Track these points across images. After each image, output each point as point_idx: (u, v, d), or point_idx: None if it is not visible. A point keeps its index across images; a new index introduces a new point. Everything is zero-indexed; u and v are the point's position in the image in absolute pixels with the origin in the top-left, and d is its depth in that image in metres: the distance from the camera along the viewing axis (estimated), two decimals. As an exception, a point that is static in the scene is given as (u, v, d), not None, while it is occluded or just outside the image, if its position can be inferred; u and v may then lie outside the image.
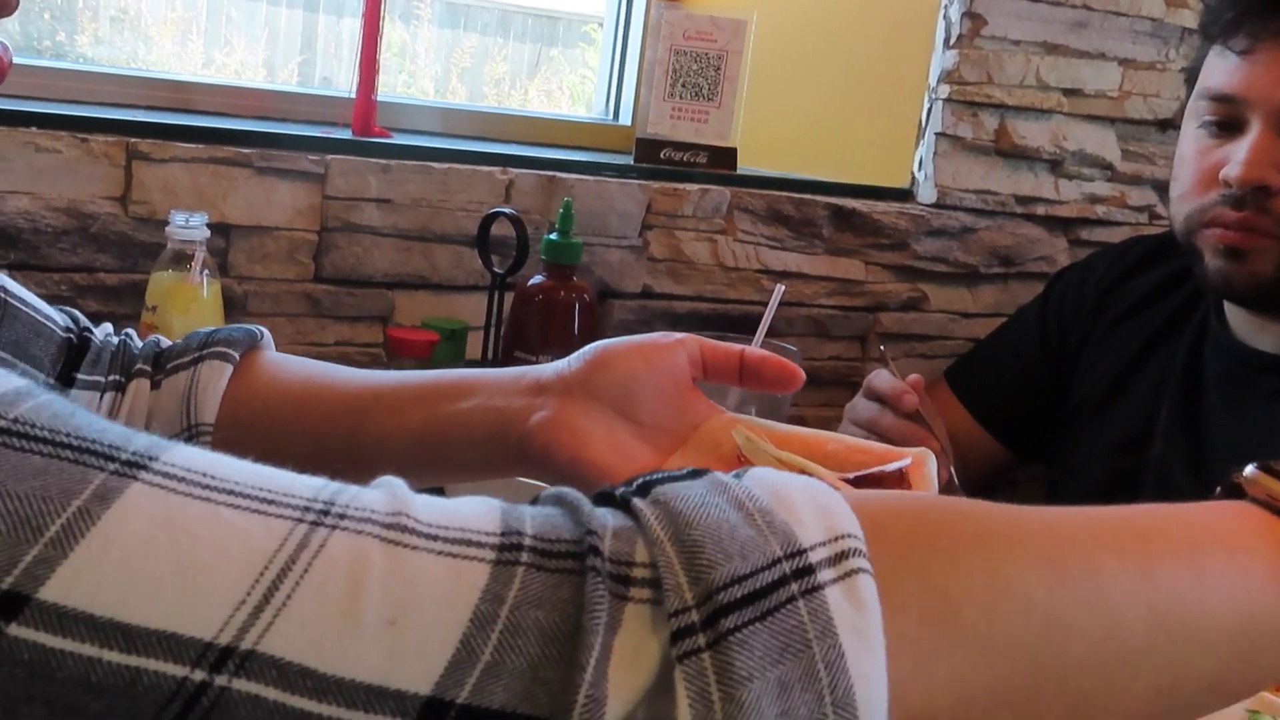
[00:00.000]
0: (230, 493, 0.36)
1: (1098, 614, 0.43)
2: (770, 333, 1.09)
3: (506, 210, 1.30)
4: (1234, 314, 1.29)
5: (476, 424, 0.70)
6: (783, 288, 1.11)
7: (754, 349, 0.73)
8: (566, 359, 0.71)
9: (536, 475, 0.70)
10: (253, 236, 1.31)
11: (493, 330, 1.29)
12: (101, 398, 0.75)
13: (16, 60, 1.45)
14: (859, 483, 0.67)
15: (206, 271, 1.15)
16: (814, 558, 0.38)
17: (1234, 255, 1.20)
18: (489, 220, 1.31)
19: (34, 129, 1.21)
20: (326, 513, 0.37)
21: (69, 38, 1.92)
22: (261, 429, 0.74)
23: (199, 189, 1.27)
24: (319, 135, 1.37)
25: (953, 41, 1.59)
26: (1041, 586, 0.42)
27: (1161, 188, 1.71)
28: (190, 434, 0.74)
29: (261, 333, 0.79)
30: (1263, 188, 1.17)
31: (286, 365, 0.78)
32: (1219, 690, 0.47)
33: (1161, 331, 1.38)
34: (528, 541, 0.38)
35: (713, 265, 1.53)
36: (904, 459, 0.69)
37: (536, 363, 1.22)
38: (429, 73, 2.26)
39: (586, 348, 0.71)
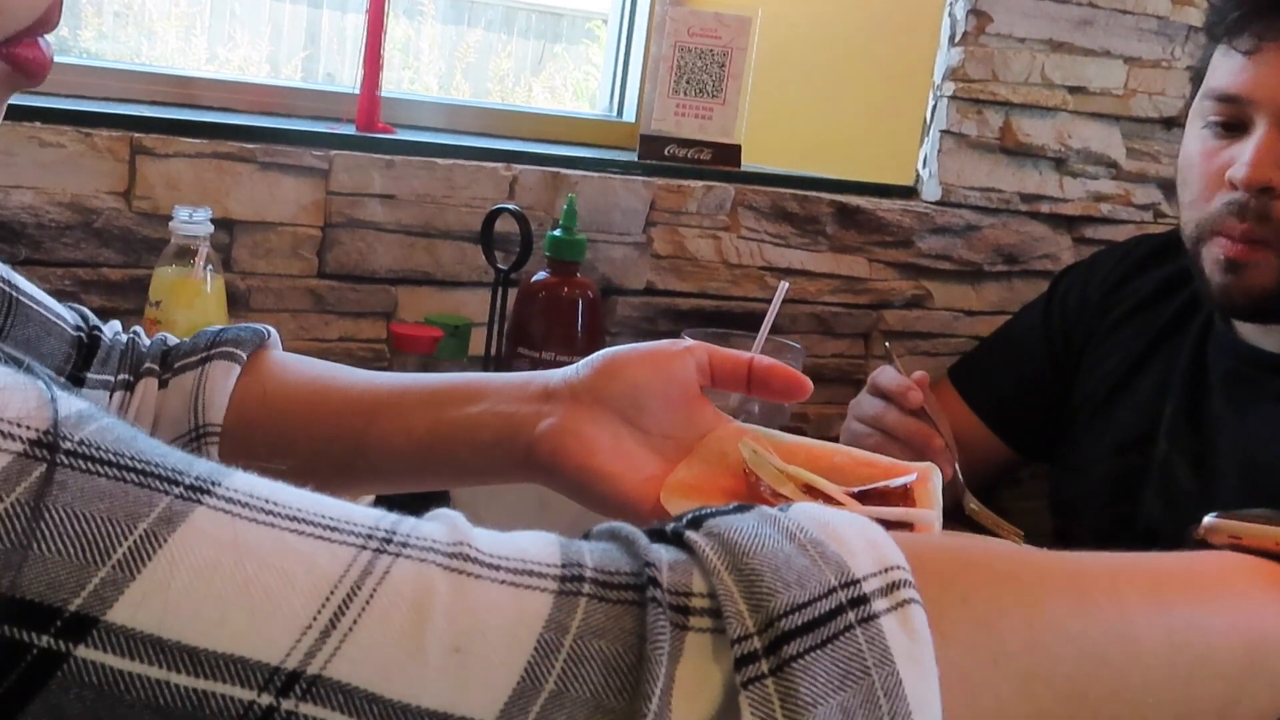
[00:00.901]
0: (294, 519, 0.37)
1: (1124, 643, 0.45)
2: (774, 330, 1.09)
3: (510, 206, 1.29)
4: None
5: (483, 429, 0.69)
6: (786, 285, 1.11)
7: (762, 358, 0.72)
8: (574, 366, 0.70)
9: (542, 482, 0.70)
10: (256, 232, 1.31)
11: (496, 326, 1.29)
12: (111, 397, 0.75)
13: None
14: (863, 497, 0.66)
15: (210, 267, 1.14)
16: (867, 587, 0.38)
17: (1233, 269, 1.19)
18: (493, 216, 1.31)
19: (38, 124, 1.21)
20: (389, 540, 0.37)
21: (73, 33, 1.92)
22: (268, 430, 0.74)
23: (203, 184, 1.27)
24: (323, 131, 1.36)
25: (958, 39, 1.59)
26: (1074, 618, 0.44)
27: (1166, 186, 1.71)
28: (198, 434, 0.74)
29: (269, 332, 0.79)
30: (1267, 189, 1.17)
31: (294, 366, 0.78)
32: (1229, 715, 0.49)
33: (1165, 331, 1.38)
34: (588, 573, 0.38)
35: (716, 262, 1.53)
36: (910, 474, 0.68)
37: (540, 359, 1.23)
38: (433, 69, 2.26)
39: (594, 355, 0.70)
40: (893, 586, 0.39)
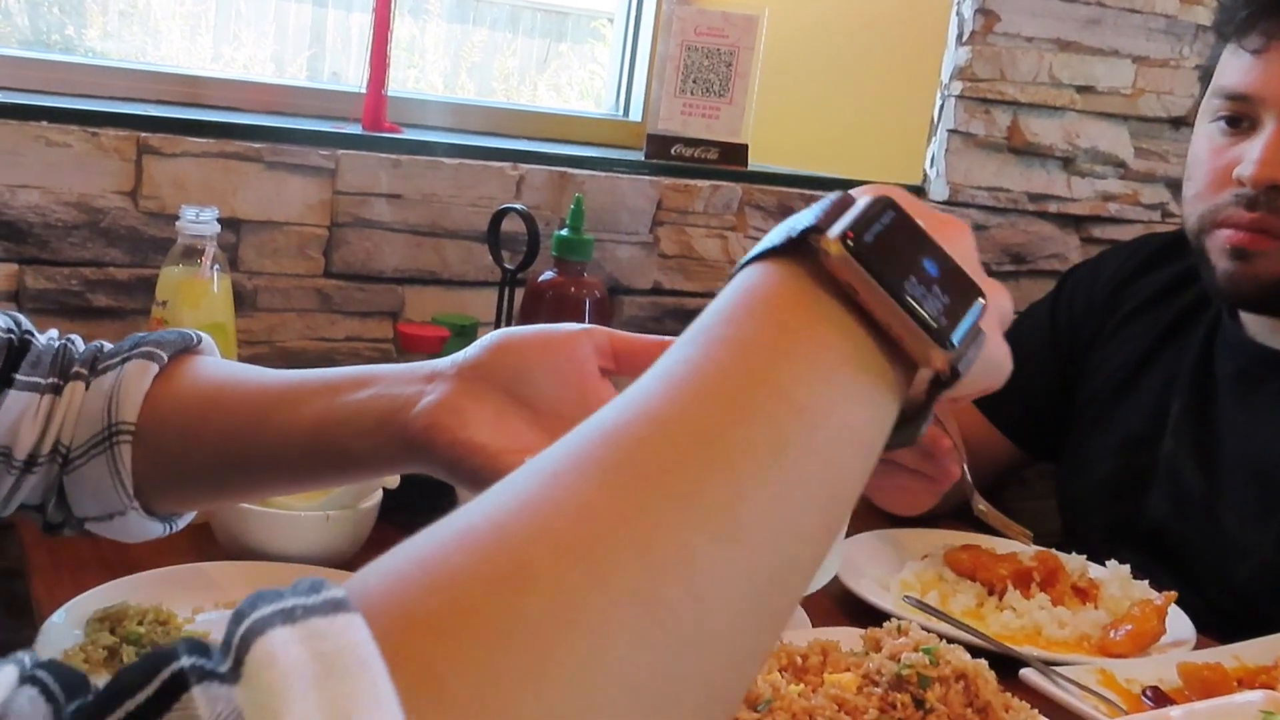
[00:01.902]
0: None
1: (708, 628, 0.35)
2: (782, 330, 1.09)
3: (517, 206, 1.29)
4: (1246, 313, 1.29)
5: (368, 414, 0.67)
6: (795, 285, 1.10)
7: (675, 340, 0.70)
8: (468, 347, 0.69)
9: (424, 467, 0.68)
10: (263, 231, 1.30)
11: (503, 326, 1.29)
12: (41, 399, 0.75)
13: (25, 54, 1.45)
14: None
15: (217, 266, 1.14)
16: None
17: (1241, 256, 1.20)
18: (500, 216, 1.30)
19: (45, 123, 1.21)
20: None
21: (78, 32, 1.92)
22: (175, 429, 0.74)
23: (209, 183, 1.27)
24: (329, 130, 1.36)
25: (965, 38, 1.59)
26: (633, 649, 0.34)
27: (1174, 185, 1.70)
28: (110, 433, 0.73)
29: (199, 337, 0.79)
30: (1276, 187, 1.17)
31: (210, 367, 0.77)
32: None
33: (1173, 329, 1.37)
34: None
35: (724, 262, 1.52)
36: None
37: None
38: (438, 68, 2.26)
39: (487, 335, 0.69)
40: None
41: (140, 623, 0.82)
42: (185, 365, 0.77)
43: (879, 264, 0.41)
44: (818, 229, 0.42)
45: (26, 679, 0.32)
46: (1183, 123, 1.69)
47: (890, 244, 0.42)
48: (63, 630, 0.83)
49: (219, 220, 1.15)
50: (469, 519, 0.36)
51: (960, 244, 0.48)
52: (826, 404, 0.40)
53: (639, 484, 0.36)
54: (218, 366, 0.78)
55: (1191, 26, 1.67)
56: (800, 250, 0.42)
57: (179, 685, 0.31)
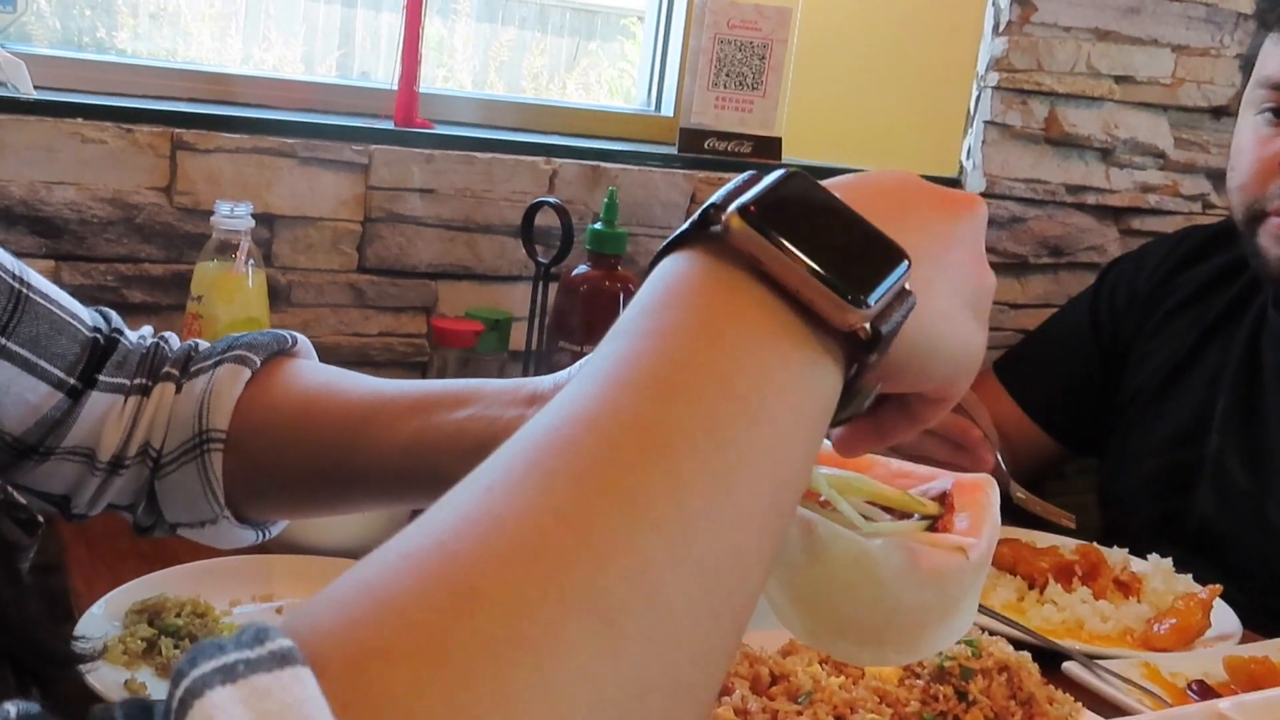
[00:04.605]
0: None
1: (665, 627, 0.34)
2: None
3: (551, 200, 1.28)
4: (1292, 302, 1.27)
5: (466, 435, 0.65)
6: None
7: None
8: (569, 368, 0.66)
9: None
10: (297, 227, 1.30)
11: (537, 320, 1.28)
12: (125, 401, 0.73)
13: (59, 53, 1.45)
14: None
15: (251, 261, 1.14)
16: None
17: None
18: (533, 210, 1.30)
19: (79, 120, 1.21)
20: None
21: (109, 34, 1.93)
22: (268, 438, 0.71)
23: (243, 179, 1.27)
24: (363, 125, 1.36)
25: (1002, 28, 1.57)
26: (601, 660, 0.32)
27: (1215, 176, 1.68)
28: (201, 440, 0.71)
29: (294, 339, 0.76)
30: (1322, 178, 1.15)
31: (304, 373, 0.74)
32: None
33: (1217, 323, 1.36)
34: None
35: (757, 256, 1.51)
36: (944, 479, 0.59)
37: (581, 353, 1.22)
38: (467, 67, 2.26)
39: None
40: None
41: (178, 615, 0.82)
42: (279, 370, 0.74)
43: (781, 231, 0.40)
44: (720, 207, 0.41)
45: None
46: (1224, 112, 1.67)
47: (795, 212, 0.41)
48: (101, 622, 0.83)
49: (253, 215, 1.16)
50: (412, 542, 0.34)
51: (960, 220, 0.47)
52: (759, 381, 0.39)
53: (579, 488, 0.35)
54: (313, 372, 0.75)
55: (1232, 15, 1.65)
56: (710, 232, 0.41)
57: None
